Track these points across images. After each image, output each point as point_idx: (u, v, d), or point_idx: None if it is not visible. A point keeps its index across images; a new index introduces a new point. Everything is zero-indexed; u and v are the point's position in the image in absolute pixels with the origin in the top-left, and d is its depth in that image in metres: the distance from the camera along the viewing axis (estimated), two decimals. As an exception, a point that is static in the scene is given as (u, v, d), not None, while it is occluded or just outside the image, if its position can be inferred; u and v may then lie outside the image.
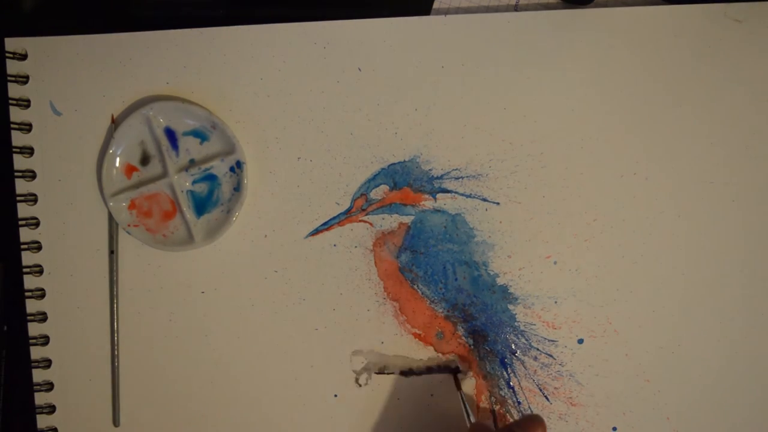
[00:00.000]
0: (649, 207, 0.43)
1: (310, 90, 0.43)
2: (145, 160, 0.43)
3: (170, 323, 0.44)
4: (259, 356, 0.44)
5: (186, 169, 0.43)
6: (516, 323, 0.44)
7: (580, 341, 0.44)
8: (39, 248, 0.44)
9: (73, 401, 0.44)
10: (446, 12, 0.43)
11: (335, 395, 0.44)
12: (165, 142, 0.43)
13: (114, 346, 0.44)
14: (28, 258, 0.44)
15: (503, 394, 0.44)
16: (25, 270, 0.43)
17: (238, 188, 0.43)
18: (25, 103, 0.43)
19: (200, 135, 0.43)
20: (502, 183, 0.43)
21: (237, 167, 0.43)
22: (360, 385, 0.44)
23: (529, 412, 0.44)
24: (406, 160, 0.44)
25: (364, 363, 0.44)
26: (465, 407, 0.41)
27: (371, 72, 0.43)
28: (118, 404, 0.44)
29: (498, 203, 0.44)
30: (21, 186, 0.43)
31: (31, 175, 0.43)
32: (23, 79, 0.43)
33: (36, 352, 0.44)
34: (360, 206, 0.44)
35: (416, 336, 0.44)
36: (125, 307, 0.44)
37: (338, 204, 0.44)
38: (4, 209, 0.44)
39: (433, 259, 0.44)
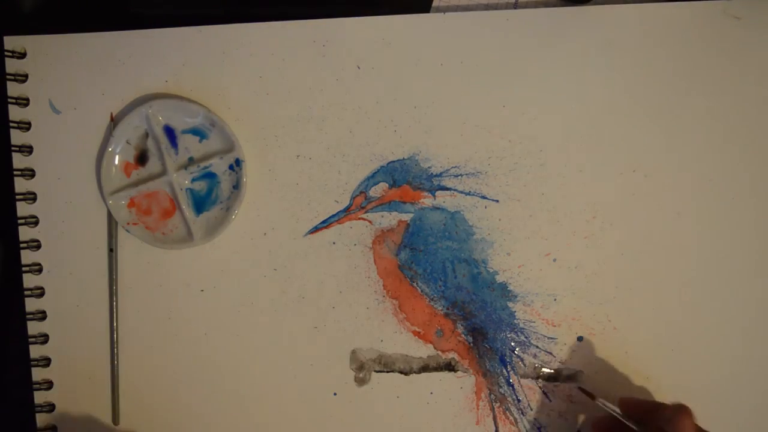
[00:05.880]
0: (649, 204, 0.43)
1: (309, 88, 0.43)
2: (144, 158, 0.43)
3: (169, 321, 0.44)
4: (258, 354, 0.44)
5: (185, 167, 0.43)
6: (515, 321, 0.44)
7: (580, 339, 0.44)
8: (38, 246, 0.44)
9: (72, 400, 0.44)
10: (445, 10, 0.43)
11: (334, 393, 0.44)
12: (164, 140, 0.43)
13: (113, 344, 0.44)
14: (27, 256, 0.44)
15: (503, 391, 0.44)
16: (24, 268, 0.43)
17: (237, 186, 0.43)
18: (24, 102, 0.43)
19: (199, 133, 0.43)
20: (501, 180, 0.43)
21: (236, 165, 0.43)
22: (359, 384, 0.44)
23: (528, 409, 0.44)
24: (405, 157, 0.44)
25: (363, 361, 0.44)
26: (609, 407, 0.40)
27: (370, 70, 0.43)
28: (117, 402, 0.44)
29: (497, 201, 0.44)
30: (20, 184, 0.43)
31: (30, 173, 0.43)
32: (22, 78, 0.43)
33: (35, 351, 0.44)
34: (359, 204, 0.44)
35: (416, 334, 0.44)
36: (124, 305, 0.44)
37: (337, 202, 0.44)
38: (3, 207, 0.44)
39: (432, 256, 0.44)
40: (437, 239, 0.44)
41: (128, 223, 0.43)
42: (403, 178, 0.44)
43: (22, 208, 0.43)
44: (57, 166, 0.43)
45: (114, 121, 0.43)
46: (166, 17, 0.43)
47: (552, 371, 0.44)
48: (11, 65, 0.43)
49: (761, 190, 0.43)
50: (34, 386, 0.44)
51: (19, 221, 0.43)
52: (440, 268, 0.44)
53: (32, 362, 0.44)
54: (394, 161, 0.44)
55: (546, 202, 0.43)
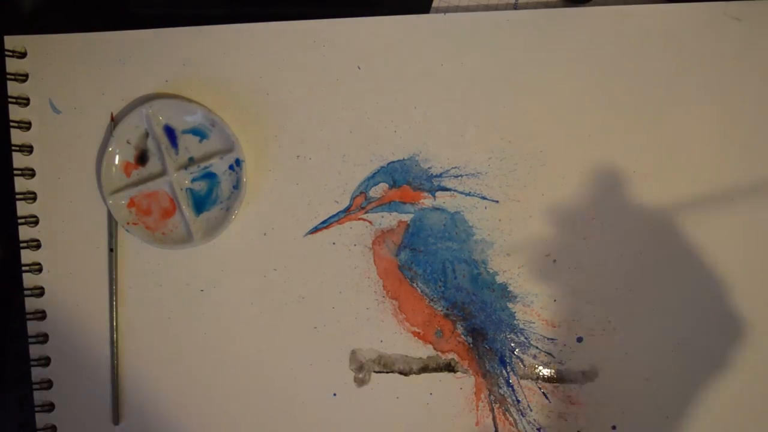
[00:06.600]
0: (648, 205, 0.43)
1: (309, 88, 0.43)
2: (144, 158, 0.43)
3: (169, 321, 0.44)
4: (258, 355, 0.44)
5: (185, 167, 0.43)
6: (515, 321, 0.44)
7: (579, 340, 0.44)
8: (38, 246, 0.44)
9: (72, 399, 0.44)
10: (445, 10, 0.43)
11: (334, 394, 0.44)
12: (164, 140, 0.43)
13: (113, 344, 0.44)
14: (27, 256, 0.44)
15: (502, 392, 0.44)
16: (24, 268, 0.44)
17: (237, 186, 0.43)
18: (24, 101, 0.43)
19: (199, 133, 0.43)
20: (501, 181, 0.43)
21: (236, 165, 0.43)
22: (359, 384, 0.44)
23: (528, 410, 0.44)
24: (406, 158, 0.44)
25: (363, 361, 0.44)
26: None
27: (370, 70, 0.43)
28: (117, 402, 0.44)
29: (497, 201, 0.44)
30: (20, 184, 0.43)
31: (30, 173, 0.43)
32: (22, 77, 0.43)
33: (35, 350, 0.44)
34: (359, 204, 0.44)
35: (415, 334, 0.44)
36: (124, 305, 0.44)
37: (337, 202, 0.44)
38: (3, 207, 0.44)
39: (432, 257, 0.44)
40: (437, 240, 0.44)
41: (128, 223, 0.43)
42: (403, 178, 0.44)
43: (22, 208, 0.44)
44: (57, 165, 0.43)
45: (114, 121, 0.43)
46: (166, 17, 0.43)
47: (552, 372, 0.44)
48: (11, 65, 0.43)
49: (762, 190, 0.43)
50: (34, 386, 0.44)
51: (19, 221, 0.43)
52: (440, 268, 0.44)
53: (32, 362, 0.44)
54: (394, 161, 0.44)
55: (546, 202, 0.43)
